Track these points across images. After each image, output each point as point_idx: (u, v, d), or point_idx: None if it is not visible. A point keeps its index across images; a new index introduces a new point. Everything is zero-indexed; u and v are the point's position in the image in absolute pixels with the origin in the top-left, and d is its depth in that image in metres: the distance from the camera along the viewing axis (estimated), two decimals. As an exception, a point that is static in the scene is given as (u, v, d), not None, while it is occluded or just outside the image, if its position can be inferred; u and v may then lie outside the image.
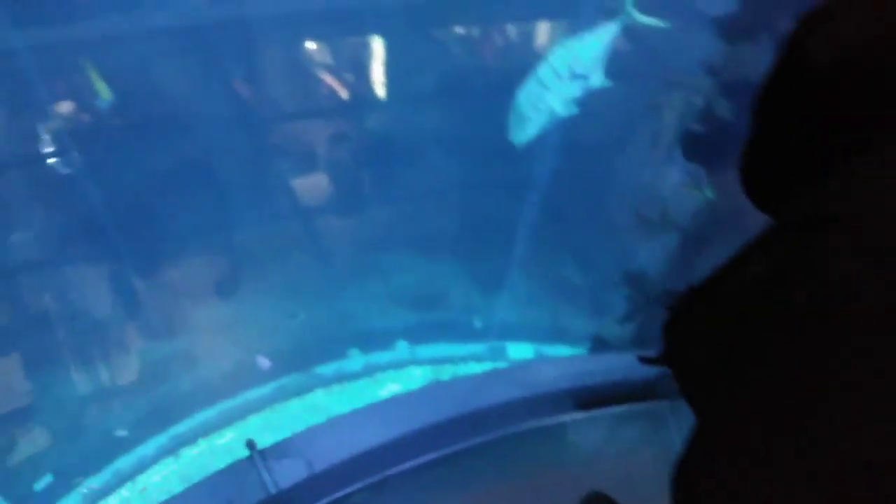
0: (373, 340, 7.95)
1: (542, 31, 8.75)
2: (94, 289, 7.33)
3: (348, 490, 1.80)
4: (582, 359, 2.14)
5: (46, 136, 7.77)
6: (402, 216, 8.40)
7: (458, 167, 8.47)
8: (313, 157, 8.50)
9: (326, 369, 7.65)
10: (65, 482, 6.65)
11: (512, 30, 8.84)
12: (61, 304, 7.40)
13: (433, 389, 2.14)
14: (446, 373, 7.69)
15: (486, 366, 7.80)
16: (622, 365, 2.06)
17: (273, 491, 1.78)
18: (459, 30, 8.77)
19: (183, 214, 7.29)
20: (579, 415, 1.96)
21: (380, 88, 8.57)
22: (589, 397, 1.97)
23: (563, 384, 1.99)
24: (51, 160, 7.42)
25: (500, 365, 7.47)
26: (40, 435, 6.94)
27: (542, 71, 3.99)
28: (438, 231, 8.24)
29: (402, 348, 7.86)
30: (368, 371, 7.74)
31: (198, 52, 7.82)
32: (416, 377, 7.78)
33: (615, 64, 4.16)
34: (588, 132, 6.78)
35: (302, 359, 7.63)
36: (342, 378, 7.65)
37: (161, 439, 7.01)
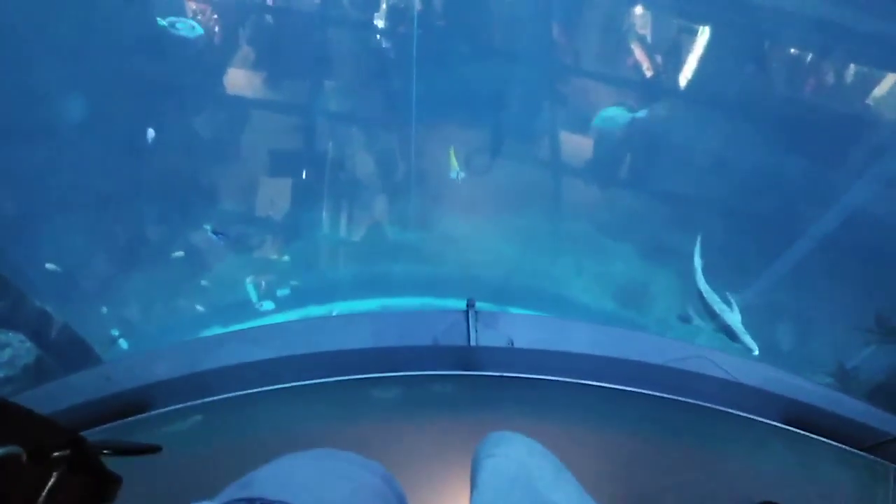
0: (556, 305, 8.40)
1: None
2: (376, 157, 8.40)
3: (522, 375, 1.90)
4: (799, 379, 2.19)
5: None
6: (637, 212, 8.45)
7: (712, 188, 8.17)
8: (584, 118, 8.61)
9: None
10: (298, 298, 8.13)
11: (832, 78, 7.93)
12: (347, 154, 8.55)
13: (637, 335, 2.27)
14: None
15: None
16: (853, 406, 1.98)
17: (472, 344, 2.02)
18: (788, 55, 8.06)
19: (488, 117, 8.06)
20: (780, 425, 1.89)
21: (682, 81, 8.32)
22: (797, 414, 1.89)
23: (773, 389, 1.94)
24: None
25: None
26: (291, 257, 8.45)
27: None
28: (668, 239, 8.20)
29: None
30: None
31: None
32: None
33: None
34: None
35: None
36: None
37: (371, 304, 8.22)
